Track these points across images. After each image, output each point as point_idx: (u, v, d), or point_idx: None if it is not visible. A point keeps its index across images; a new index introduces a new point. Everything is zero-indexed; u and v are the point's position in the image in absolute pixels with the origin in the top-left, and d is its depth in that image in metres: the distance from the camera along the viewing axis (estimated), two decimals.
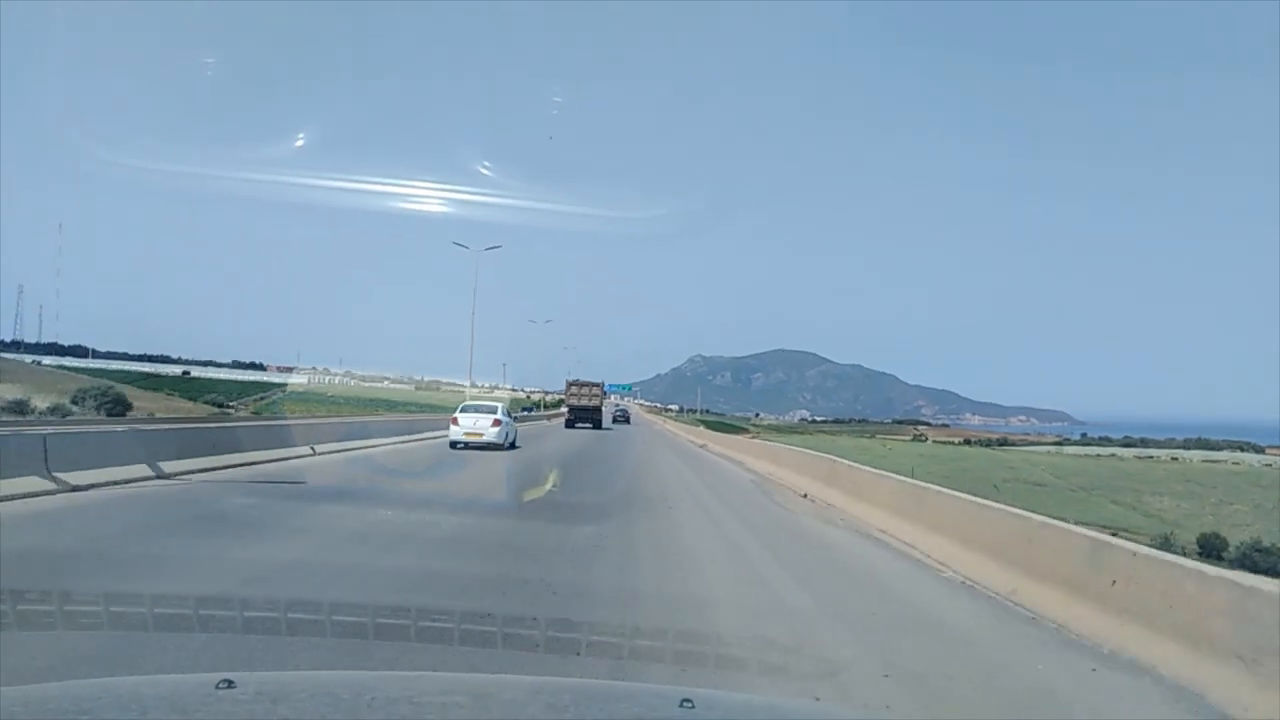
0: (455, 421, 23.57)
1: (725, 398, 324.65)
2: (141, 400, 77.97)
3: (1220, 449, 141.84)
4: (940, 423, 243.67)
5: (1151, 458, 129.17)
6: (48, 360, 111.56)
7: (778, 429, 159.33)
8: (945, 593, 7.29)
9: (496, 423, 23.25)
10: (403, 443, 24.92)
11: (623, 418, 73.70)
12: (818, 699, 4.20)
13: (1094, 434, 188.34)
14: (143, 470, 11.90)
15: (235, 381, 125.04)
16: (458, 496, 12.73)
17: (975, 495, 9.06)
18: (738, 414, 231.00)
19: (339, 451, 19.70)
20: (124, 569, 6.40)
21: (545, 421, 53.99)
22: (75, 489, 10.23)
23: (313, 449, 18.37)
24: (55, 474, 10.28)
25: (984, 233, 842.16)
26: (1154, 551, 5.65)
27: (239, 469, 14.25)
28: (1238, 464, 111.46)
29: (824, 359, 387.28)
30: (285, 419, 28.05)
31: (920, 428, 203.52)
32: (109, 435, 12.87)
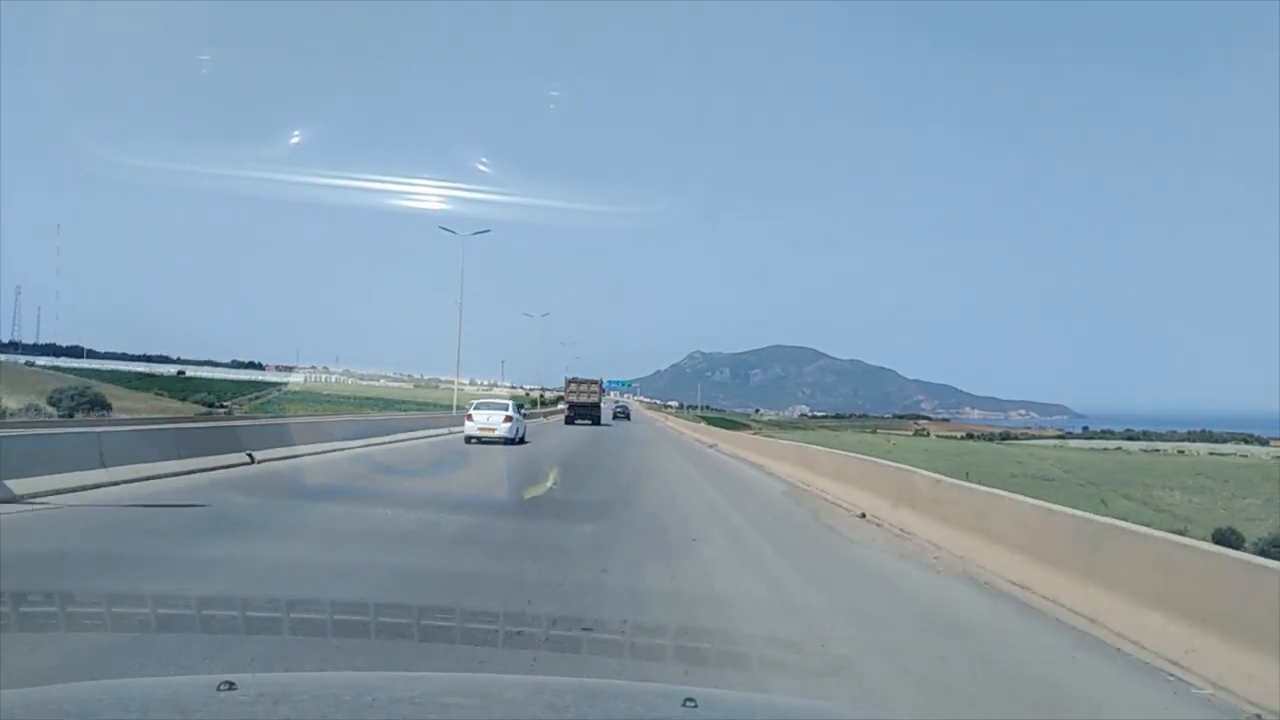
0: (470, 418, 24.62)
1: (724, 394, 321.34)
2: (128, 400, 75.16)
3: (1224, 441, 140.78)
4: (940, 417, 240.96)
5: (1158, 451, 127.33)
6: (41, 361, 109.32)
7: (778, 425, 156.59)
8: None
9: (508, 419, 24.23)
10: (382, 444, 22.13)
11: (623, 414, 73.47)
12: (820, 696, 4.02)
13: (1094, 427, 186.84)
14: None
15: (230, 381, 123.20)
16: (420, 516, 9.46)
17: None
18: (737, 410, 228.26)
19: (300, 456, 16.77)
20: None
21: (543, 419, 50.69)
22: None
23: (250, 455, 15.06)
24: None
25: (983, 227, 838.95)
26: None
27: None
28: (1244, 456, 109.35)
29: (823, 354, 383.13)
30: (258, 419, 26.04)
31: (921, 422, 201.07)
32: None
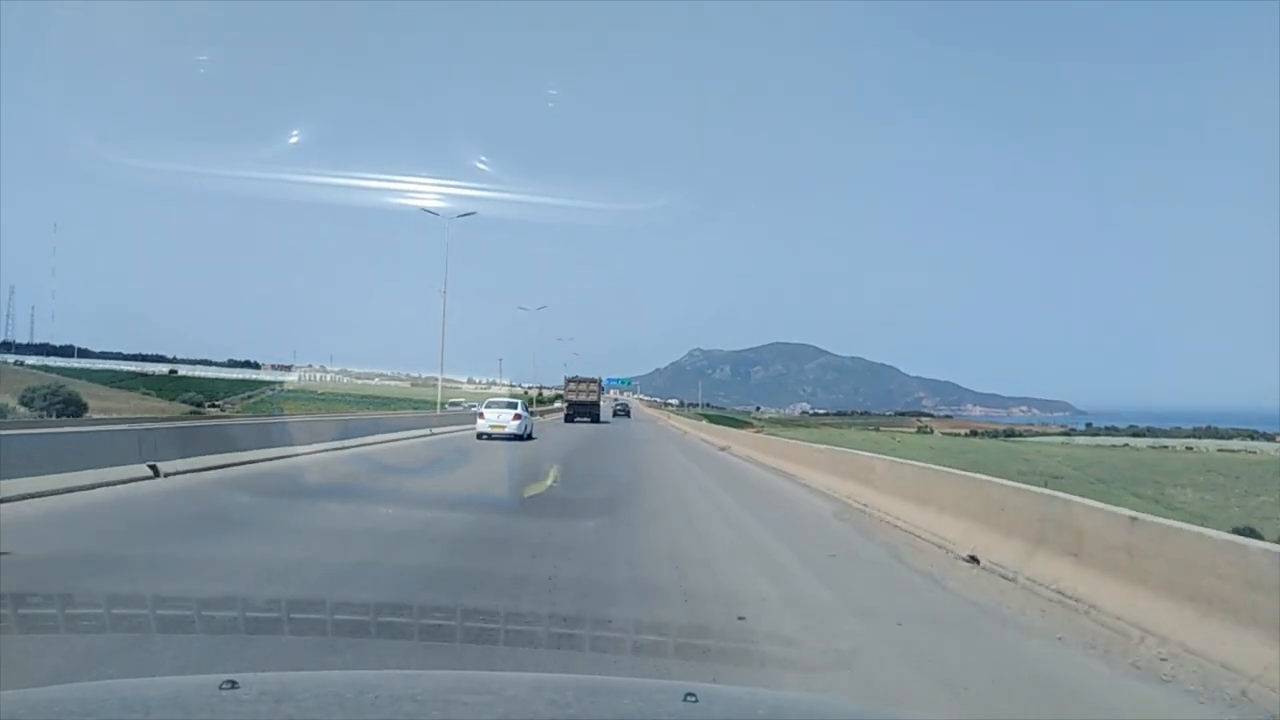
0: (482, 416, 26.02)
1: (725, 391, 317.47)
2: (113, 400, 72.01)
3: (1230, 438, 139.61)
4: (943, 414, 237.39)
5: (1166, 448, 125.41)
6: (31, 360, 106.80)
7: (780, 422, 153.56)
8: None
9: (517, 417, 25.77)
10: (355, 448, 19.10)
11: (623, 412, 73.21)
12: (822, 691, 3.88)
13: (1097, 423, 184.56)
14: None
15: (223, 380, 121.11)
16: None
17: None
18: (738, 407, 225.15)
19: (241, 465, 13.63)
20: None
21: (540, 418, 47.48)
22: None
23: (153, 468, 11.56)
24: None
25: (985, 224, 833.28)
26: None
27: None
28: (1253, 453, 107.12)
29: (824, 351, 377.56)
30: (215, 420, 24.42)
31: (923, 419, 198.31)
32: None
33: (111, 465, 11.05)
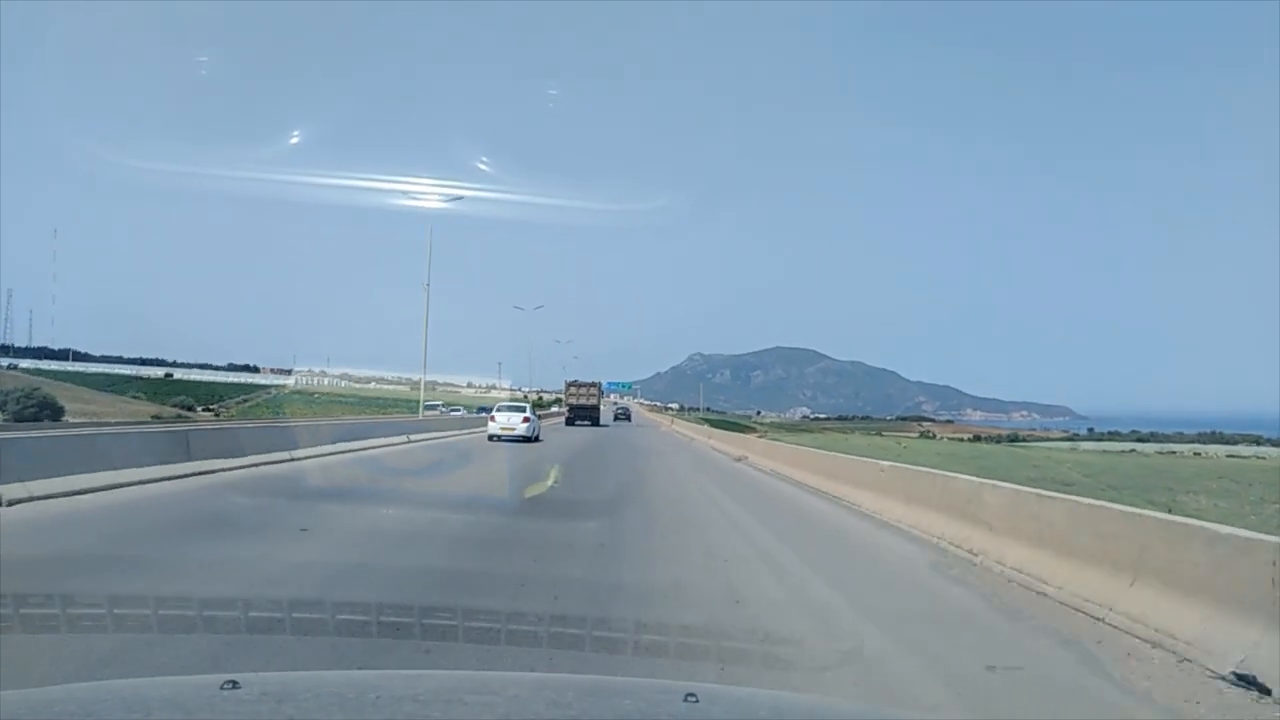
0: (493, 419, 27.24)
1: (725, 395, 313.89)
2: (97, 404, 69.03)
3: (1235, 443, 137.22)
4: (943, 418, 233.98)
5: (1174, 453, 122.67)
6: (25, 364, 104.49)
7: (782, 427, 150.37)
8: None
9: (525, 419, 27.08)
10: (309, 459, 16.05)
11: (623, 415, 74.01)
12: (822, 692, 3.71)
13: (1098, 428, 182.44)
14: None
15: (220, 384, 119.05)
16: None
17: None
18: (738, 412, 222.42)
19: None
20: None
21: (540, 422, 44.43)
22: None
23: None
24: None
25: (985, 228, 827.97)
26: None
27: None
28: (1263, 458, 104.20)
29: (823, 355, 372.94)
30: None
31: (924, 424, 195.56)
32: None
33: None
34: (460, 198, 28.98)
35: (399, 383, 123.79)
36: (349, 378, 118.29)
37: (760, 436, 38.91)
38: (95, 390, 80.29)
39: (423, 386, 40.12)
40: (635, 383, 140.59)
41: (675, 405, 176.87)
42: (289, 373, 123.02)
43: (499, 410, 28.05)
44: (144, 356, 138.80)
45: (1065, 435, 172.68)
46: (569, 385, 53.85)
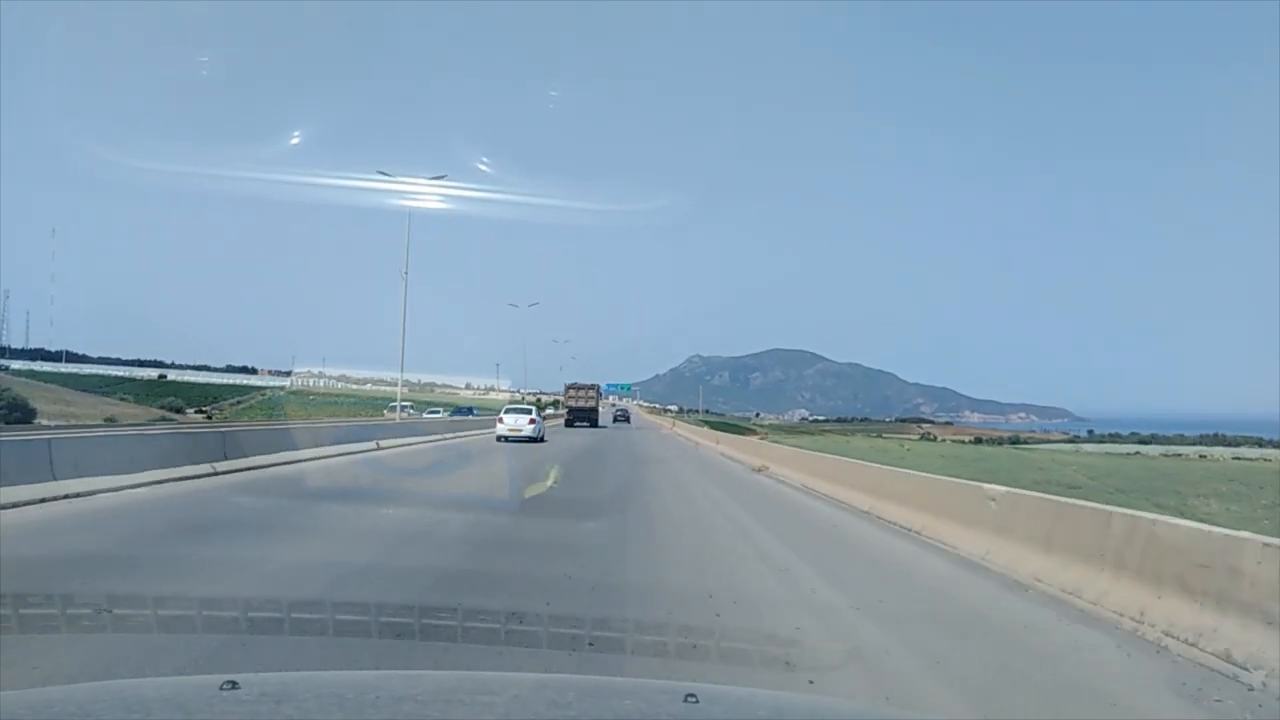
0: (501, 420, 28.46)
1: (724, 398, 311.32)
2: (78, 405, 66.19)
3: (1237, 444, 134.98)
4: (942, 420, 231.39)
5: (1179, 455, 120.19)
6: (17, 365, 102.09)
7: (782, 429, 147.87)
8: None
9: (531, 421, 28.37)
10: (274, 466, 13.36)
11: (623, 418, 73.20)
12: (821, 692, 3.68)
13: (1097, 430, 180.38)
14: None
15: (215, 385, 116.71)
16: None
17: None
18: (736, 414, 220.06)
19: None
20: None
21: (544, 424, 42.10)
22: None
23: None
24: None
25: (984, 228, 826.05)
26: None
27: None
28: (1269, 460, 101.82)
29: (822, 357, 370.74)
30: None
31: (924, 426, 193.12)
32: None
33: None
34: (444, 175, 26.59)
35: (397, 383, 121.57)
36: (347, 379, 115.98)
37: (761, 439, 36.52)
38: (82, 392, 77.81)
39: (400, 385, 38.33)
40: (635, 384, 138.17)
41: (674, 407, 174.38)
42: (287, 374, 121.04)
43: (506, 412, 29.33)
44: (141, 358, 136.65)
45: (1066, 437, 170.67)
46: (568, 388, 54.14)
